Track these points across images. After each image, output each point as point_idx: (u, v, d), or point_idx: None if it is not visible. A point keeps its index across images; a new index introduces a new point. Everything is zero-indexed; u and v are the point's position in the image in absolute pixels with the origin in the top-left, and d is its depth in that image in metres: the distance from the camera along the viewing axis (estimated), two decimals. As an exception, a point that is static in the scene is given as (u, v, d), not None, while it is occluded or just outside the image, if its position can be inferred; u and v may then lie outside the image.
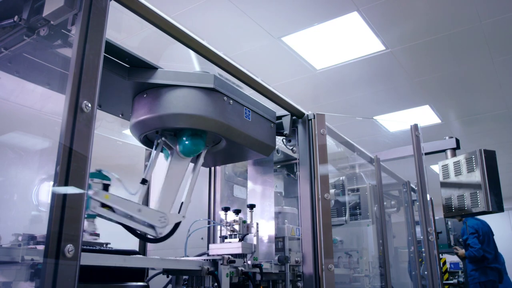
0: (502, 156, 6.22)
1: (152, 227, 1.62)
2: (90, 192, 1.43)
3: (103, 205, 1.45)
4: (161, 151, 1.86)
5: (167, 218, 1.65)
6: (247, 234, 1.98)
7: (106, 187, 1.47)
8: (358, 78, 5.57)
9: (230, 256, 1.79)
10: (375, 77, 5.57)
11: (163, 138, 1.79)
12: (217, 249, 1.95)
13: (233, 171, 2.54)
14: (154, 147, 1.80)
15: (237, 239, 1.95)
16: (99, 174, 1.46)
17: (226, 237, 2.01)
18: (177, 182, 1.76)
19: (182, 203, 1.76)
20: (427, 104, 6.39)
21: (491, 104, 6.38)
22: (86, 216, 1.43)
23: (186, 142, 1.76)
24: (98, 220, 1.63)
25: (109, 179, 1.48)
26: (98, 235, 1.69)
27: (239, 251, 1.88)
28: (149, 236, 1.63)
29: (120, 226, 1.56)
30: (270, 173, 2.43)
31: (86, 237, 1.56)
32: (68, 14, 1.24)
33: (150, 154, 2.68)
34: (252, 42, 4.76)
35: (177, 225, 1.71)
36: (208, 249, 2.09)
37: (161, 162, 1.81)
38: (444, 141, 3.57)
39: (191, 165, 1.88)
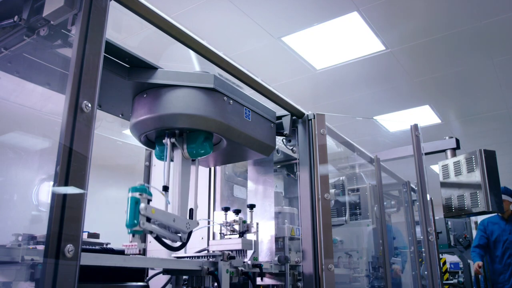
0: (502, 156, 6.22)
1: (177, 234, 1.63)
2: (141, 207, 1.38)
3: (148, 220, 1.42)
4: (160, 152, 1.86)
5: (189, 223, 1.65)
6: (247, 230, 1.98)
7: (149, 202, 1.44)
8: (358, 78, 5.57)
9: (230, 252, 1.79)
10: (375, 77, 5.57)
11: (171, 139, 1.77)
12: (217, 245, 1.95)
13: (233, 171, 2.54)
14: (165, 150, 1.76)
15: (237, 235, 1.96)
16: (142, 188, 1.41)
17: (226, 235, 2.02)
18: (188, 185, 1.77)
19: (192, 209, 1.76)
20: (427, 104, 6.39)
21: (491, 104, 6.38)
22: (131, 232, 1.39)
23: (198, 145, 1.75)
24: (98, 220, 1.63)
25: (151, 195, 1.44)
26: (98, 235, 1.69)
27: (239, 247, 1.88)
28: (172, 244, 1.63)
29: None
30: (270, 173, 2.43)
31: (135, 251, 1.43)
32: (68, 14, 1.24)
33: (150, 154, 2.69)
34: (252, 42, 4.76)
35: (191, 231, 1.72)
36: (208, 245, 2.09)
37: (161, 163, 1.81)
38: (444, 141, 3.57)
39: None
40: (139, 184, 1.41)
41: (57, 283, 0.98)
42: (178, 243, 1.65)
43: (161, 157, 1.82)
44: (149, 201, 1.43)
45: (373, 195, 3.68)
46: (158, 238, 1.52)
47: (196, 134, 1.77)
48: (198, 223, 1.73)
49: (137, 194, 1.39)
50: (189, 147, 1.77)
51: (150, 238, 2.20)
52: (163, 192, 1.63)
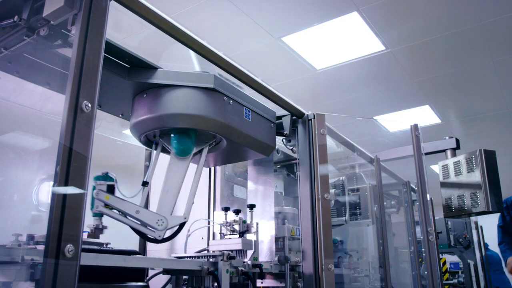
0: (502, 156, 6.22)
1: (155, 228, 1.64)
2: (94, 193, 1.53)
3: (106, 205, 1.55)
4: (162, 151, 1.86)
5: (166, 221, 1.65)
6: (247, 230, 1.98)
7: (111, 188, 1.56)
8: (358, 78, 5.57)
9: (230, 252, 1.79)
10: (375, 77, 5.57)
11: (161, 139, 1.78)
12: (217, 245, 1.95)
13: (233, 171, 2.54)
14: (153, 148, 1.81)
15: (237, 235, 1.96)
16: (103, 176, 1.57)
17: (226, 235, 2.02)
18: (177, 184, 1.75)
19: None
20: (427, 104, 6.39)
21: (491, 104, 6.38)
22: (92, 214, 1.57)
23: (175, 142, 1.77)
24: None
25: (112, 180, 1.58)
26: (98, 235, 1.69)
27: (239, 247, 1.88)
28: (150, 237, 1.64)
29: (120, 226, 1.58)
30: (270, 173, 2.43)
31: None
32: (68, 14, 1.24)
33: (150, 154, 2.69)
34: (252, 42, 4.76)
35: (181, 225, 1.72)
36: (208, 245, 2.09)
37: (163, 164, 1.81)
38: (444, 141, 3.57)
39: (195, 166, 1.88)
40: (102, 173, 1.57)
41: (57, 283, 0.98)
42: (152, 237, 1.66)
43: (160, 157, 1.83)
44: (110, 187, 1.56)
45: (373, 195, 3.68)
46: (132, 227, 1.61)
47: (176, 131, 1.77)
48: (185, 219, 1.72)
49: (94, 182, 1.55)
50: (172, 145, 1.78)
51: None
52: (142, 186, 1.72)
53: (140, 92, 1.76)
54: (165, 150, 1.85)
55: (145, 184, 1.71)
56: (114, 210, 1.57)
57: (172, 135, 1.79)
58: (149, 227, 1.63)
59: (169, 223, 1.66)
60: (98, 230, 1.60)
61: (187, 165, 1.81)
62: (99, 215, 1.59)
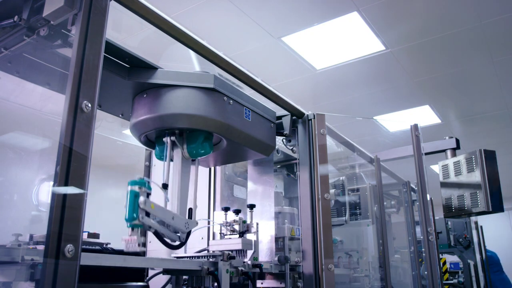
0: (502, 156, 6.22)
1: (176, 233, 1.63)
2: (140, 202, 1.35)
3: (148, 214, 1.39)
4: (160, 152, 1.86)
5: (188, 223, 1.65)
6: (247, 230, 1.98)
7: (148, 197, 1.41)
8: (358, 78, 5.57)
9: (230, 252, 1.79)
10: (375, 77, 5.57)
11: (171, 138, 1.76)
12: (217, 245, 1.95)
13: (233, 171, 2.54)
14: (165, 149, 1.76)
15: (237, 235, 1.96)
16: (142, 182, 1.37)
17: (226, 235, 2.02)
18: (188, 186, 1.76)
19: (191, 208, 1.76)
20: (427, 104, 6.39)
21: (491, 104, 6.38)
22: (130, 226, 1.36)
23: (198, 145, 1.75)
24: (99, 220, 1.63)
25: (150, 189, 1.41)
26: (98, 235, 1.69)
27: (239, 247, 1.88)
28: (172, 243, 1.63)
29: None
30: (270, 173, 2.43)
31: (136, 249, 1.39)
32: (68, 14, 1.24)
33: (150, 154, 2.69)
34: (252, 42, 4.76)
35: (190, 231, 1.72)
36: (208, 245, 2.09)
37: (159, 163, 1.81)
38: (444, 141, 3.57)
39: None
40: (139, 178, 1.38)
41: (57, 283, 0.98)
42: (177, 242, 1.65)
43: (161, 157, 1.82)
44: (148, 195, 1.40)
45: (373, 195, 3.68)
46: (157, 235, 1.50)
47: (196, 134, 1.77)
48: (197, 223, 1.73)
49: (136, 188, 1.36)
50: (189, 147, 1.77)
51: (150, 237, 2.21)
52: (163, 189, 1.63)
53: (140, 92, 1.76)
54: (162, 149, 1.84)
55: (165, 186, 1.64)
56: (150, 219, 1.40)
57: (195, 137, 1.77)
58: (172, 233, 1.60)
59: (190, 226, 1.67)
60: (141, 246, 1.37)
61: (194, 166, 1.83)
62: (139, 226, 1.37)
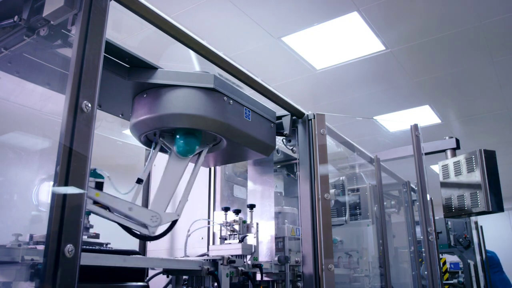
0: (502, 156, 6.22)
1: (145, 226, 1.62)
2: None
3: (96, 203, 1.47)
4: (160, 151, 1.86)
5: (160, 217, 1.65)
6: (247, 235, 1.98)
7: (99, 185, 1.49)
8: (358, 78, 5.57)
9: (230, 256, 1.79)
10: (375, 77, 5.57)
11: (161, 138, 1.78)
12: (217, 250, 1.95)
13: (233, 171, 2.54)
14: (152, 147, 1.80)
15: (237, 240, 1.95)
16: (92, 173, 1.47)
17: (226, 238, 2.01)
18: (174, 182, 1.75)
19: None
20: (427, 104, 6.39)
21: (491, 104, 6.38)
22: None
23: (181, 142, 1.76)
24: (99, 220, 1.63)
25: (102, 177, 1.51)
26: (98, 235, 1.69)
27: (239, 252, 1.88)
28: (143, 234, 1.63)
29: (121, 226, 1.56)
30: (270, 173, 2.43)
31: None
32: (68, 14, 1.24)
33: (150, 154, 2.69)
34: (252, 42, 4.76)
35: (173, 223, 1.71)
36: (208, 249, 2.08)
37: (163, 162, 1.81)
38: (444, 141, 3.57)
39: (192, 165, 1.88)
40: (90, 169, 1.44)
41: (57, 283, 0.98)
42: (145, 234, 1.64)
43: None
44: (98, 184, 1.49)
45: (373, 195, 3.68)
46: (123, 226, 1.56)
47: (182, 131, 1.77)
48: (178, 216, 1.71)
49: None
50: (176, 145, 1.77)
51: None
52: (136, 183, 1.67)
53: (140, 92, 1.76)
54: (162, 149, 1.85)
55: (139, 181, 1.68)
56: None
57: (178, 135, 1.78)
58: (137, 225, 1.61)
59: (163, 220, 1.66)
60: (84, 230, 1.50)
61: (186, 165, 1.81)
62: (87, 213, 1.51)
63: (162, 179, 1.74)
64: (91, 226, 1.61)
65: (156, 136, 1.81)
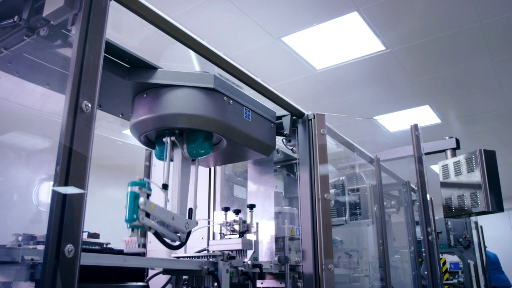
0: (502, 156, 6.22)
1: (176, 233, 1.63)
2: (140, 203, 1.35)
3: (148, 215, 1.39)
4: (160, 152, 1.86)
5: (189, 224, 1.65)
6: (247, 230, 1.98)
7: (149, 197, 1.41)
8: (358, 78, 5.57)
9: (230, 252, 1.79)
10: (375, 77, 5.57)
11: (172, 138, 1.76)
12: (217, 245, 1.95)
13: (233, 171, 2.54)
14: (165, 149, 1.76)
15: (237, 235, 1.96)
16: (142, 183, 1.37)
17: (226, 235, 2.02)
18: (188, 186, 1.76)
19: (191, 208, 1.75)
20: (427, 104, 6.39)
21: (491, 104, 6.38)
22: (131, 227, 1.36)
23: (198, 145, 1.75)
24: (99, 220, 1.63)
25: (150, 190, 1.41)
26: (98, 235, 1.69)
27: (239, 247, 1.88)
28: (172, 243, 1.63)
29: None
30: (270, 173, 2.43)
31: (136, 250, 1.40)
32: (68, 14, 1.24)
33: (150, 154, 2.69)
34: (252, 42, 4.76)
35: (190, 231, 1.72)
36: (208, 245, 2.09)
37: (159, 163, 1.81)
38: (444, 141, 3.57)
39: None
40: (139, 179, 1.38)
41: (57, 283, 0.98)
42: (177, 243, 1.65)
43: (161, 157, 1.82)
44: (148, 196, 1.40)
45: (373, 195, 3.68)
46: (157, 235, 1.50)
47: (196, 134, 1.77)
48: (197, 223, 1.73)
49: (136, 189, 1.36)
50: (189, 147, 1.77)
51: (150, 237, 2.21)
52: (163, 189, 1.63)
53: (140, 92, 1.76)
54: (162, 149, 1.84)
55: (165, 187, 1.64)
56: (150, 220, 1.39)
57: (195, 137, 1.77)
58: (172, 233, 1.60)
59: (190, 226, 1.66)
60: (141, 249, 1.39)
61: (194, 166, 1.83)
62: (139, 227, 1.37)
63: (181, 184, 1.73)
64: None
65: (167, 136, 1.78)
